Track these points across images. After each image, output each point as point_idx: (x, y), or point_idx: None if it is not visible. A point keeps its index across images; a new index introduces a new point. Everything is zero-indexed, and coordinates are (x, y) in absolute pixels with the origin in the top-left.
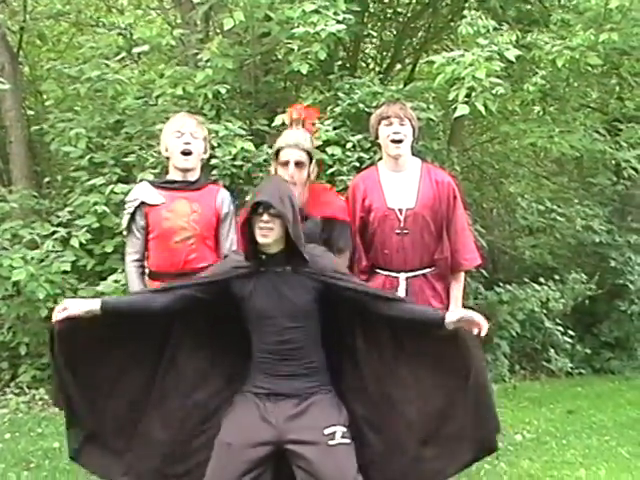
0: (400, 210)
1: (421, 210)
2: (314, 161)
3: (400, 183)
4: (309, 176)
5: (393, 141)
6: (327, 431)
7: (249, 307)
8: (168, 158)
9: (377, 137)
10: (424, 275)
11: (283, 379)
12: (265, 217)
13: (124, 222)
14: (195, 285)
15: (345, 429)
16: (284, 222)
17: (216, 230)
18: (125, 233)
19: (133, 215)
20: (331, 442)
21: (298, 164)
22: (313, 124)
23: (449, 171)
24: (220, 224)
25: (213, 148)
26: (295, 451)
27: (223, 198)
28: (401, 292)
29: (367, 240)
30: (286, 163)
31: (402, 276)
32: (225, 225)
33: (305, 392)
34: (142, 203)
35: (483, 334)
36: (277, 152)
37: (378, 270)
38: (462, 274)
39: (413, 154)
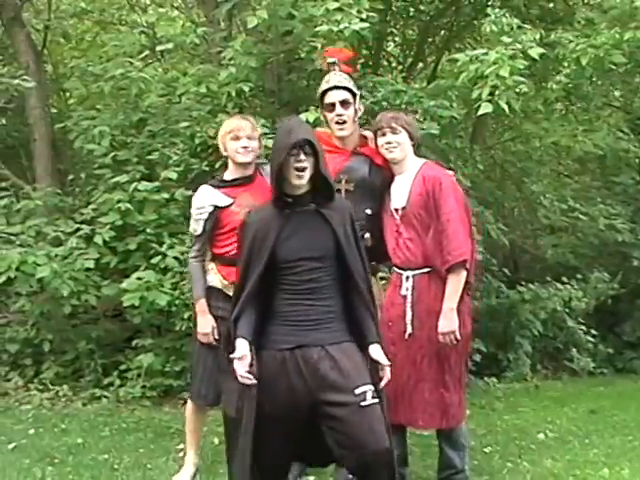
0: (397, 210)
1: (412, 209)
2: (358, 97)
3: (399, 184)
4: (356, 112)
5: (386, 149)
6: (358, 391)
7: (277, 251)
8: (227, 157)
9: (376, 145)
10: (429, 273)
11: (308, 329)
12: (302, 156)
13: (198, 226)
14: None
15: (373, 387)
16: (316, 160)
17: None
18: (197, 234)
19: (206, 220)
20: (363, 403)
21: (343, 103)
22: (349, 64)
23: (472, 169)
24: None
25: None
26: (327, 412)
27: (266, 174)
28: (405, 290)
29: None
30: (332, 105)
31: (406, 274)
32: None
33: (330, 342)
34: (215, 207)
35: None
36: (321, 98)
37: (392, 266)
38: (462, 272)
39: (418, 155)
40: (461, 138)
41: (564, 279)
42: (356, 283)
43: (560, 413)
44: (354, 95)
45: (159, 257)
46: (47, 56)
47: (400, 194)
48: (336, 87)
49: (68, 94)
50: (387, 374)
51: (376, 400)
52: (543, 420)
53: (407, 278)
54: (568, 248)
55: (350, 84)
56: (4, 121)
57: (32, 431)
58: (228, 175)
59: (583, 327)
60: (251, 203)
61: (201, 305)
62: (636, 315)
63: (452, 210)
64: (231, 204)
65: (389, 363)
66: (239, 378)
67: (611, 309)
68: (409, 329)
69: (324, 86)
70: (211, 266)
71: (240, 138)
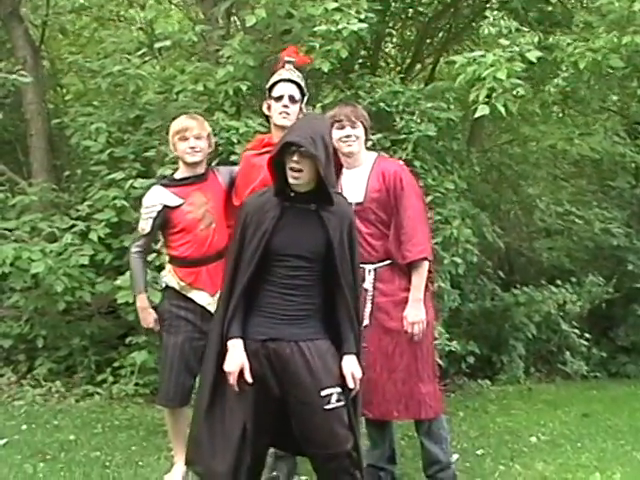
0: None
1: (369, 204)
2: (306, 98)
3: (353, 179)
4: (301, 110)
5: (344, 142)
6: (324, 393)
7: (268, 241)
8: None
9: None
10: (391, 265)
11: (283, 323)
12: (295, 157)
13: (146, 225)
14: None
15: (340, 389)
16: (315, 162)
17: (226, 202)
18: (144, 233)
19: (155, 218)
20: (327, 407)
21: (291, 98)
22: (301, 68)
23: (468, 172)
24: (229, 194)
25: (233, 145)
26: (292, 407)
27: (220, 175)
28: (368, 284)
29: None
30: (280, 97)
31: (368, 267)
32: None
33: (304, 338)
34: (164, 207)
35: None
36: (270, 88)
37: None
38: (424, 264)
39: (368, 149)
40: (458, 140)
41: (559, 282)
42: (342, 291)
43: (553, 416)
44: (302, 95)
45: (154, 255)
46: (45, 52)
47: (354, 189)
48: (289, 80)
49: (65, 90)
50: (358, 386)
51: (341, 404)
52: (536, 423)
53: (370, 272)
54: (563, 251)
55: (302, 82)
56: (0, 116)
57: (24, 427)
58: (179, 174)
59: (577, 330)
60: (203, 201)
61: (141, 300)
62: (630, 319)
63: (413, 206)
64: (182, 204)
65: (360, 376)
66: (234, 387)
67: (605, 313)
68: (365, 321)
69: (275, 78)
70: (168, 268)
71: (187, 138)
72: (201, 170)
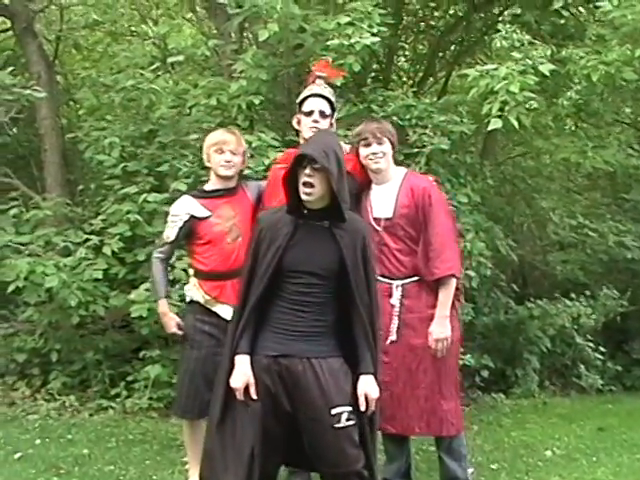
0: (378, 220)
1: (398, 220)
2: (336, 114)
3: (383, 195)
4: (331, 126)
5: (371, 160)
6: (334, 411)
7: (281, 257)
8: (209, 167)
9: (358, 155)
10: (419, 281)
11: (295, 339)
12: (308, 171)
13: (171, 233)
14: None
15: (350, 408)
16: (328, 177)
17: (253, 217)
18: (168, 240)
19: (181, 227)
20: (337, 425)
21: (322, 113)
22: (332, 82)
23: (482, 185)
24: (256, 208)
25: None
26: (303, 424)
27: (249, 190)
28: (395, 299)
29: None
30: (310, 112)
31: (395, 283)
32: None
33: (316, 355)
34: (191, 217)
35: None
36: (301, 103)
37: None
38: (452, 281)
39: (397, 164)
40: (471, 153)
41: (573, 295)
42: (357, 309)
43: (568, 430)
44: (333, 110)
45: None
46: (58, 67)
47: (383, 204)
48: (319, 95)
49: (79, 105)
50: (373, 407)
51: (351, 422)
52: (550, 437)
53: (397, 287)
54: (577, 264)
55: (332, 97)
56: (15, 131)
57: (38, 441)
58: (209, 186)
59: (591, 344)
60: (231, 215)
61: (162, 305)
62: None
63: (442, 223)
64: (209, 216)
65: (377, 396)
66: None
67: (620, 326)
68: (392, 336)
69: (306, 93)
70: (193, 281)
71: (224, 152)
72: (232, 184)
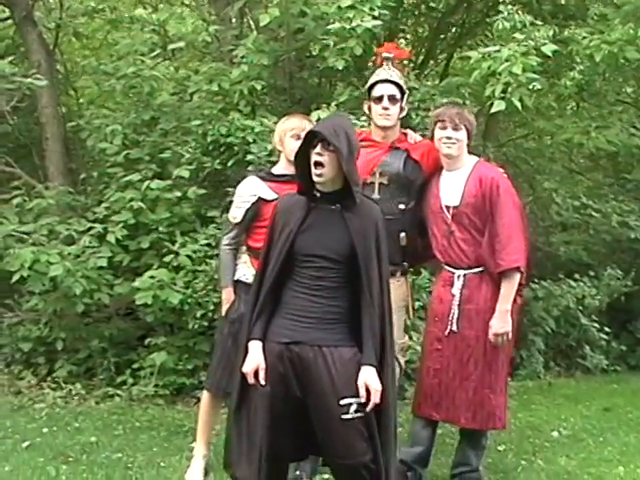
0: (448, 208)
1: (464, 208)
2: (406, 96)
3: (452, 182)
4: (402, 110)
5: (444, 144)
6: (343, 402)
7: (293, 241)
8: (280, 151)
9: (433, 136)
10: (482, 273)
11: (308, 326)
12: (318, 149)
13: (238, 213)
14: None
15: (360, 399)
16: (338, 157)
17: None
18: (235, 221)
19: (248, 209)
20: (344, 416)
21: (391, 98)
22: (402, 63)
23: None
24: None
25: (248, 144)
26: (312, 410)
27: None
28: (456, 289)
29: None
30: (380, 98)
31: (457, 273)
32: None
33: (328, 344)
34: (259, 199)
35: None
36: (370, 88)
37: (442, 264)
38: (516, 274)
39: (470, 152)
40: (474, 135)
41: (577, 276)
42: (365, 298)
43: (574, 411)
44: (402, 93)
45: (171, 255)
46: (58, 55)
47: (452, 191)
48: (387, 80)
49: (79, 93)
50: (376, 399)
51: (359, 414)
52: (557, 418)
53: (459, 277)
54: (581, 245)
55: (401, 81)
56: (16, 120)
57: (46, 430)
58: (278, 170)
59: (596, 324)
60: None
61: (227, 293)
62: None
63: (509, 215)
64: (276, 199)
65: (379, 388)
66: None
67: (624, 306)
68: (453, 327)
69: (374, 78)
70: (244, 258)
71: (300, 138)
72: None
